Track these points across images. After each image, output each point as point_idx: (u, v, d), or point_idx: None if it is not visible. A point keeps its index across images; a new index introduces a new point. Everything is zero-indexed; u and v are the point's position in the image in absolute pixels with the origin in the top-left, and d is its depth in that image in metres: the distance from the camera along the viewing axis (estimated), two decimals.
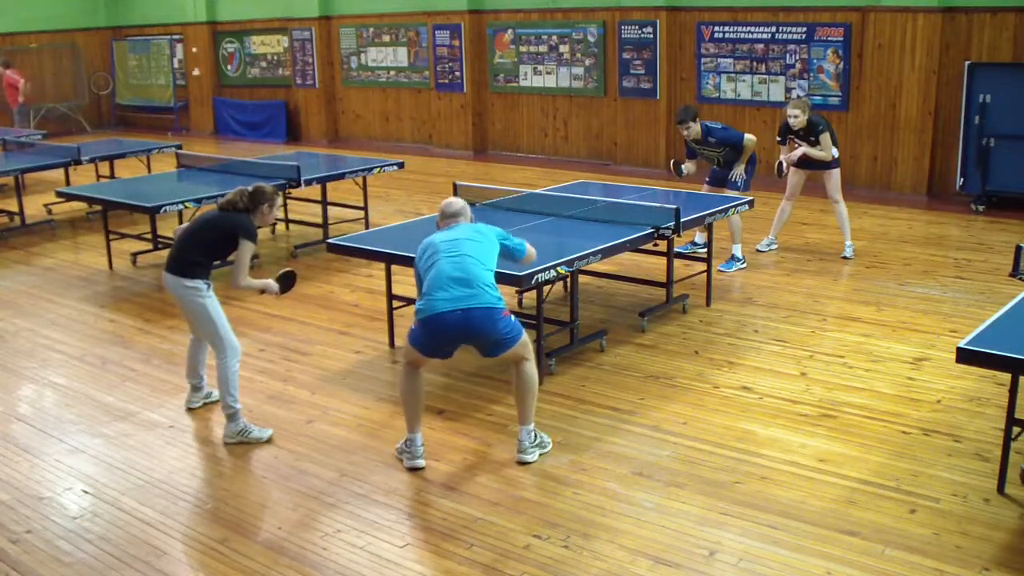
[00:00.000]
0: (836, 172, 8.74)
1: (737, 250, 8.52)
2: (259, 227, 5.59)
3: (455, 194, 7.80)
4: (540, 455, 5.12)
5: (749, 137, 8.59)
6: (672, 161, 8.77)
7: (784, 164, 8.74)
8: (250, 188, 5.53)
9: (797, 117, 8.46)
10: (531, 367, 5.07)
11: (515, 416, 5.59)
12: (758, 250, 8.94)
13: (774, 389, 5.93)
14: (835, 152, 8.69)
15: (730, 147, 8.55)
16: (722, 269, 8.36)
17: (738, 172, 8.52)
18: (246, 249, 5.40)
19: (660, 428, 5.43)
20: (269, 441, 5.39)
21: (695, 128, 8.51)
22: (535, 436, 5.17)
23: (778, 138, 8.88)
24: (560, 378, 6.16)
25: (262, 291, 5.62)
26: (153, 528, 4.51)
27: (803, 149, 8.59)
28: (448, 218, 5.29)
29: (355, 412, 5.77)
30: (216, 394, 5.74)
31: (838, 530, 4.33)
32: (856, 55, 11.56)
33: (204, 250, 5.47)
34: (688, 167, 8.68)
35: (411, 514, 4.59)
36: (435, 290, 4.86)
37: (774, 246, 9.07)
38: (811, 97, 11.92)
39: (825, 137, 8.55)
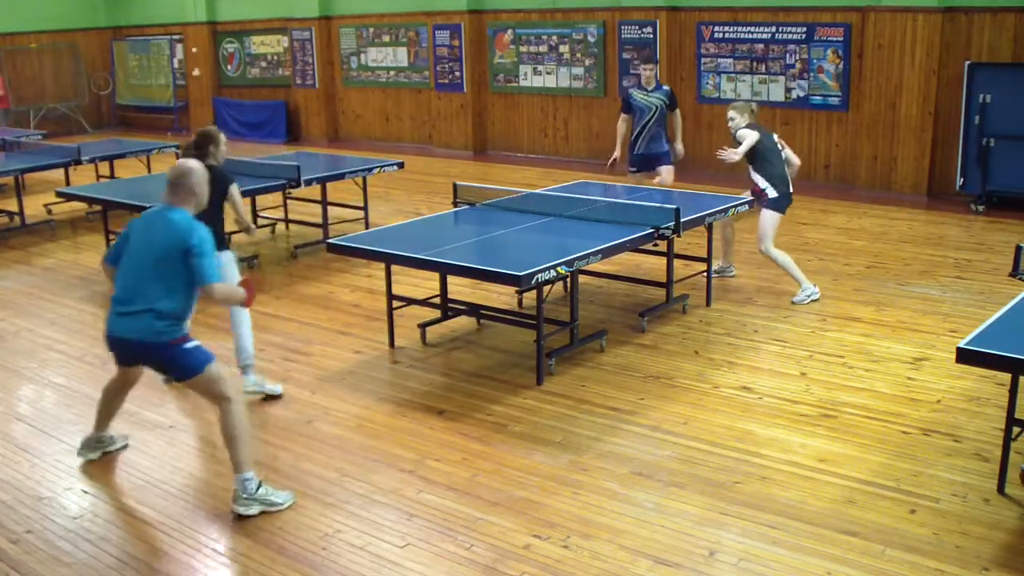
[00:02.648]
0: (769, 214, 7.44)
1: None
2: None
3: (455, 195, 7.80)
4: (261, 511, 4.53)
5: (679, 113, 9.51)
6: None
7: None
8: (194, 137, 5.93)
9: (733, 120, 7.61)
10: (229, 410, 4.50)
11: (516, 416, 5.63)
12: (808, 300, 7.62)
13: (774, 389, 5.93)
14: (771, 190, 7.42)
15: (669, 107, 9.29)
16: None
17: (679, 149, 9.44)
18: (236, 195, 6.01)
19: (660, 428, 5.43)
20: (280, 397, 5.96)
21: (653, 71, 9.41)
22: (257, 487, 4.55)
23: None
24: (560, 378, 6.16)
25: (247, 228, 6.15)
26: (153, 528, 4.51)
27: (730, 152, 7.34)
28: (168, 186, 4.63)
29: (355, 412, 5.77)
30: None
31: (838, 530, 4.33)
32: (856, 55, 11.56)
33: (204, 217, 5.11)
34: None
35: (411, 514, 4.59)
36: (113, 300, 4.58)
37: (731, 272, 8.25)
38: (811, 97, 11.96)
39: (745, 133, 7.39)
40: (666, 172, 9.36)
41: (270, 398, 5.96)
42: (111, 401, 5.11)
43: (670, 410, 5.67)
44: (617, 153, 9.56)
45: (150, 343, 4.48)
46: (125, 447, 5.31)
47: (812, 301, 7.48)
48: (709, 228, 7.57)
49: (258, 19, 17.79)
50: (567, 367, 6.33)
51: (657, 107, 9.24)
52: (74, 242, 10.35)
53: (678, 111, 9.49)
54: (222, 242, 5.82)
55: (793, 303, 7.47)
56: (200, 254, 4.46)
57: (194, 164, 4.74)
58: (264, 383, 6.01)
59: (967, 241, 9.40)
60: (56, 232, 10.72)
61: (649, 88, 9.30)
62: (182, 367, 4.56)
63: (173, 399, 6.06)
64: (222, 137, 6.06)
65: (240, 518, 4.53)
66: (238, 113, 18.18)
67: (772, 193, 7.44)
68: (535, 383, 6.06)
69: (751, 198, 7.67)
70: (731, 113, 7.71)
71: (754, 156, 7.45)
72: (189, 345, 4.56)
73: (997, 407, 5.41)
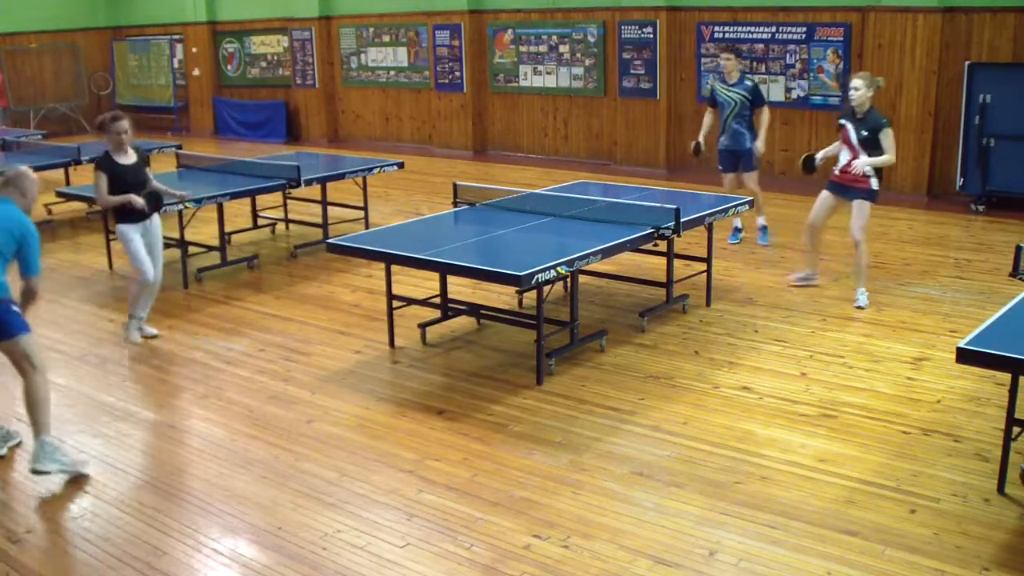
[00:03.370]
0: (869, 204, 7.34)
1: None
2: (117, 146, 6.83)
3: (455, 195, 7.81)
4: (60, 470, 4.94)
5: (767, 110, 9.11)
6: (694, 143, 8.51)
7: (818, 158, 7.60)
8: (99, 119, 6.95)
9: (858, 90, 7.14)
10: (35, 379, 4.96)
11: (516, 416, 5.63)
12: (799, 280, 7.86)
13: (774, 389, 5.93)
14: (875, 181, 7.28)
15: (752, 102, 8.95)
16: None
17: (758, 146, 8.98)
18: (95, 179, 6.82)
19: (660, 428, 5.43)
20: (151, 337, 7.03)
21: (734, 63, 9.02)
22: (54, 449, 4.96)
23: (840, 120, 7.42)
24: (560, 378, 6.16)
25: (127, 203, 6.75)
26: (153, 528, 4.51)
27: (865, 162, 7.13)
28: (2, 181, 5.19)
29: (355, 412, 5.77)
30: (149, 331, 7.20)
31: (838, 530, 4.33)
32: (856, 55, 11.55)
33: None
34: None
35: (411, 514, 4.59)
36: None
37: (815, 279, 7.92)
38: (811, 97, 11.96)
39: (888, 136, 7.14)
40: (747, 178, 9.13)
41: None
42: None
43: (670, 410, 5.67)
44: (700, 138, 9.25)
45: None
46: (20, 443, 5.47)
47: (859, 307, 7.32)
48: (709, 228, 7.57)
49: (258, 19, 17.79)
50: (567, 367, 6.33)
51: (737, 102, 8.97)
52: (74, 242, 10.35)
53: (766, 108, 9.09)
54: (127, 215, 6.88)
55: (859, 308, 7.31)
56: (29, 247, 5.02)
57: (28, 171, 5.26)
58: (143, 331, 7.09)
59: (967, 241, 9.40)
60: (56, 232, 10.72)
61: (731, 82, 9.04)
62: (2, 324, 4.92)
63: (172, 399, 6.06)
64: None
65: (37, 473, 4.90)
66: (238, 113, 18.18)
67: (875, 185, 7.29)
68: (535, 383, 6.06)
69: (842, 183, 7.37)
70: (856, 82, 7.17)
71: (876, 145, 7.18)
72: (15, 308, 5.00)
73: (997, 407, 5.41)
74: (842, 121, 7.39)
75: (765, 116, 9.08)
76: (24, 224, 5.03)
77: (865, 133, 7.16)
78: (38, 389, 4.98)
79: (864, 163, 7.18)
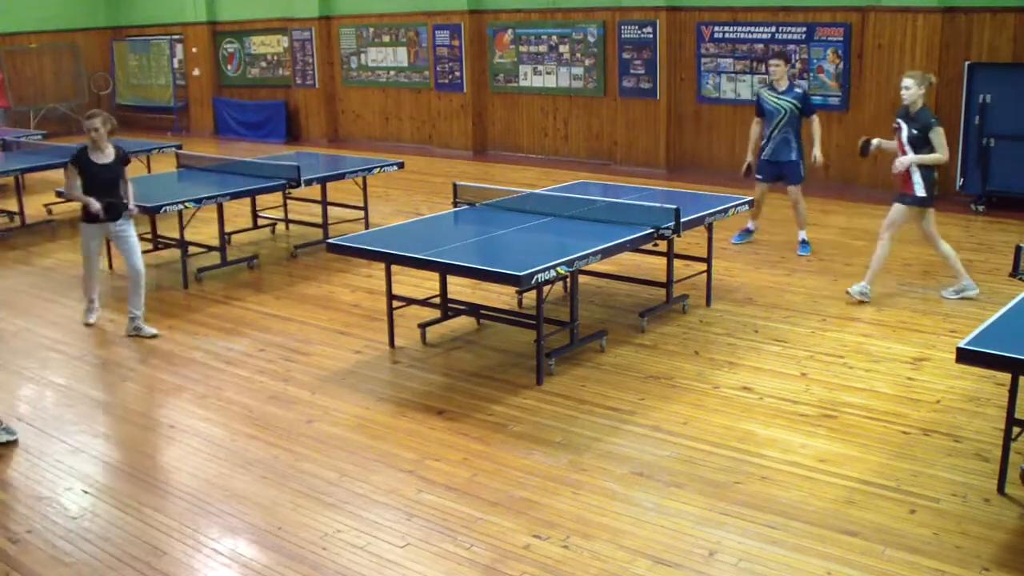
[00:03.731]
0: (905, 208, 7.30)
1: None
2: (93, 144, 7.03)
3: (455, 195, 7.82)
4: (7, 440, 5.43)
5: (818, 118, 8.88)
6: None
7: (873, 144, 7.49)
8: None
9: (909, 89, 7.09)
10: None
11: (516, 416, 5.63)
12: (857, 296, 7.48)
13: (774, 389, 5.93)
14: (920, 188, 7.18)
15: (803, 111, 8.72)
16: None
17: (816, 155, 8.75)
18: (66, 173, 7.24)
19: (660, 428, 5.43)
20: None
21: (784, 69, 8.76)
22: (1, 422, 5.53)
23: (896, 120, 7.36)
24: (560, 378, 6.16)
25: (85, 204, 6.99)
26: (153, 528, 4.51)
27: (910, 158, 7.13)
28: None
29: (355, 412, 5.77)
30: (149, 331, 7.24)
31: (838, 530, 4.33)
32: (856, 55, 11.55)
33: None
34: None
35: (411, 514, 4.59)
36: None
37: (971, 288, 7.56)
38: (811, 97, 11.93)
39: (938, 135, 7.10)
40: (793, 191, 8.85)
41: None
42: None
43: (670, 410, 5.67)
44: (750, 158, 9.04)
45: None
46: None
47: (861, 301, 7.42)
48: (709, 228, 7.57)
49: (258, 19, 17.79)
50: (567, 367, 6.33)
51: (786, 111, 8.65)
52: (73, 242, 10.33)
53: (816, 117, 8.78)
54: (89, 214, 7.07)
55: (848, 292, 7.49)
56: None
57: None
58: (143, 328, 7.22)
59: (967, 241, 9.40)
60: (56, 232, 10.72)
61: (780, 89, 8.73)
62: None
63: (172, 399, 6.07)
64: (92, 121, 7.00)
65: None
66: (238, 113, 18.18)
67: (920, 192, 7.20)
68: (535, 383, 6.06)
69: (898, 191, 7.35)
70: (907, 81, 7.12)
71: (924, 144, 7.11)
72: None
73: (997, 407, 5.41)
74: (897, 121, 7.30)
75: (817, 125, 8.80)
76: None
77: (915, 131, 7.12)
78: None
79: (908, 160, 7.14)
